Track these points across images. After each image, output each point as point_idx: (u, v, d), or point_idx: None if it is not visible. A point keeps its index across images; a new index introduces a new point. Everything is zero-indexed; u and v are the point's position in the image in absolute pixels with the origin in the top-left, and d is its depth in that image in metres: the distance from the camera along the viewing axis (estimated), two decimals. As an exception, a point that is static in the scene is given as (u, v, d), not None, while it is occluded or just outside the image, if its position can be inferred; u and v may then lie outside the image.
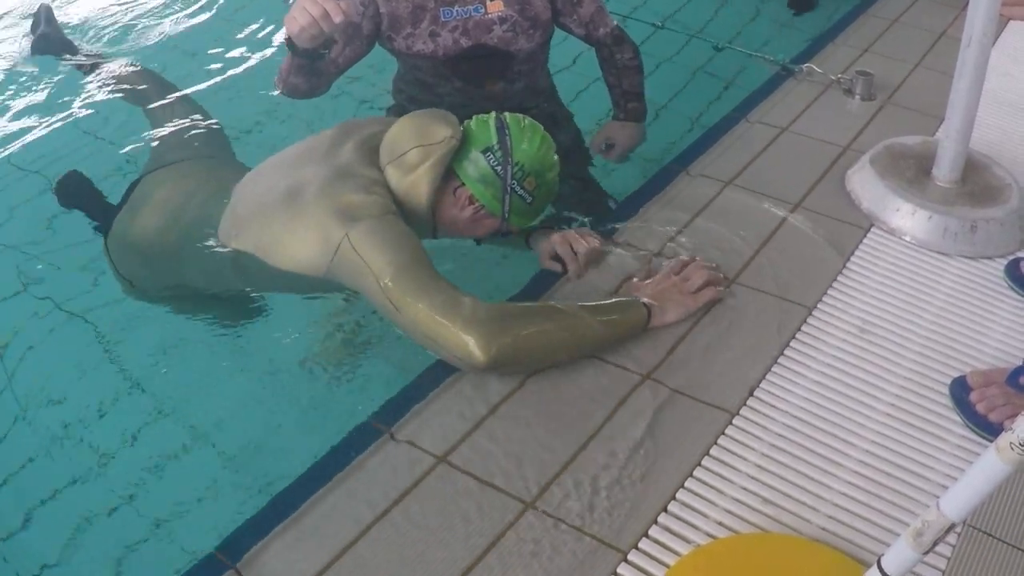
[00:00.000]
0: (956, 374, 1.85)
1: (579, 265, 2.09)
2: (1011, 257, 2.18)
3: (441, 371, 1.83)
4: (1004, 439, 1.03)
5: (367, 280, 1.79)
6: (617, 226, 2.25)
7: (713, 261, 2.09)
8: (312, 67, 2.36)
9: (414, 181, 1.93)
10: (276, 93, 2.46)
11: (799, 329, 1.95)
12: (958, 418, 1.77)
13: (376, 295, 1.79)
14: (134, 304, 2.38)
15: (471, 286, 1.82)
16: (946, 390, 1.82)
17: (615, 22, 2.69)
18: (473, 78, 2.58)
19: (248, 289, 2.21)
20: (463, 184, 1.99)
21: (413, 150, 1.93)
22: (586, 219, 2.43)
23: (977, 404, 1.76)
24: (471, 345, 1.71)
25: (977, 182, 2.32)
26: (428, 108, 2.09)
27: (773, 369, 1.86)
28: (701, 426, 1.73)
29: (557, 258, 2.12)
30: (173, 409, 2.24)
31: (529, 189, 2.00)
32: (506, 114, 2.02)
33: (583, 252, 2.10)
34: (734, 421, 1.75)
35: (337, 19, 2.07)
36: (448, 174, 1.97)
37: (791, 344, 1.92)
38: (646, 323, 1.91)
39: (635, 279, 2.04)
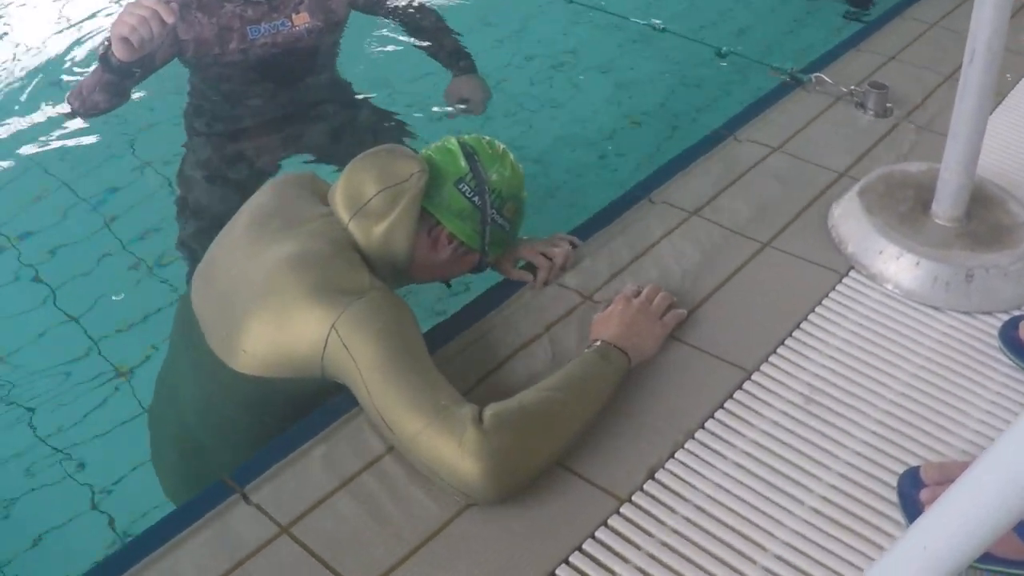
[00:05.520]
0: (917, 460, 1.54)
1: (554, 270, 1.94)
2: (1013, 315, 1.83)
3: (300, 433, 1.61)
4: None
5: (357, 388, 1.52)
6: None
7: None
8: (120, 85, 2.33)
9: (388, 230, 1.68)
10: (68, 110, 2.44)
11: (729, 397, 1.66)
12: (902, 519, 1.46)
13: (367, 406, 1.52)
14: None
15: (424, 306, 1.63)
16: (895, 481, 1.51)
17: None
18: (282, 78, 2.62)
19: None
20: (439, 223, 1.75)
21: (378, 195, 1.67)
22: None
23: (927, 505, 1.44)
24: (477, 479, 1.43)
25: (985, 220, 1.98)
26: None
27: (686, 446, 1.57)
28: (585, 514, 1.47)
29: (527, 266, 1.95)
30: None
31: (508, 216, 1.80)
32: (465, 137, 1.81)
33: (559, 256, 1.94)
34: (621, 509, 1.47)
35: (169, 19, 2.09)
36: (420, 214, 1.72)
37: (714, 416, 1.63)
38: (629, 365, 1.66)
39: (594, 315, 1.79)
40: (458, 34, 2.87)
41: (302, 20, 2.57)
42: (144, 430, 1.97)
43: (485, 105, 2.78)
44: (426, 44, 2.88)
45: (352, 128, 2.75)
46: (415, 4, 2.90)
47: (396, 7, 2.86)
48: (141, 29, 2.08)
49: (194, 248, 2.49)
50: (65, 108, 2.45)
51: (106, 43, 2.24)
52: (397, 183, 1.68)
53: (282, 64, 2.59)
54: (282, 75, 2.62)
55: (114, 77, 2.27)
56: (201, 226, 2.53)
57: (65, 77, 3.41)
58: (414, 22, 2.88)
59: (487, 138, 1.83)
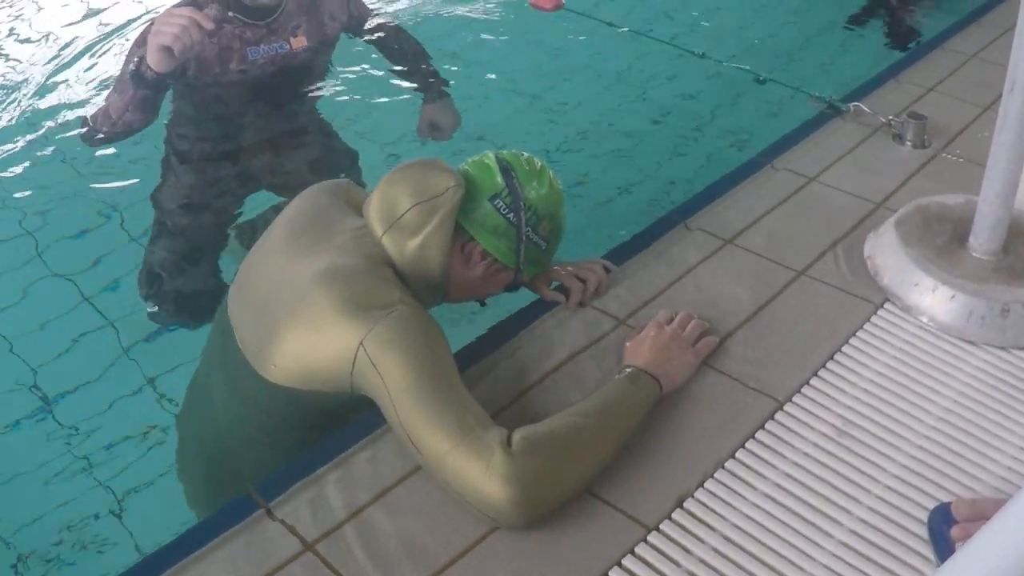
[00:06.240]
0: (949, 496, 1.53)
1: (588, 293, 1.93)
2: (1048, 350, 1.82)
3: (328, 448, 1.62)
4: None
5: (385, 407, 1.51)
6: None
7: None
8: (154, 100, 2.34)
9: (421, 245, 1.66)
10: (83, 131, 2.45)
11: (761, 427, 1.65)
12: (932, 556, 1.45)
13: (394, 425, 1.51)
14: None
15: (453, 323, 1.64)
16: (926, 516, 1.50)
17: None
18: (275, 98, 2.67)
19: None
20: (472, 239, 1.74)
21: (413, 209, 1.66)
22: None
23: (957, 542, 1.43)
24: (504, 503, 1.42)
25: (1022, 254, 1.96)
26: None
27: (716, 476, 1.57)
28: (612, 542, 1.46)
29: (560, 289, 1.96)
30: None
31: (543, 234, 1.77)
32: (503, 152, 1.79)
33: (593, 280, 1.95)
34: (649, 538, 1.47)
35: (209, 26, 2.17)
36: (454, 229, 1.71)
37: (745, 446, 1.62)
38: (660, 393, 1.66)
39: (626, 341, 1.79)
40: (434, 66, 2.93)
41: (300, 44, 2.61)
42: (170, 444, 1.97)
43: (453, 132, 2.82)
44: (403, 68, 2.95)
45: (329, 159, 2.76)
46: (397, 29, 2.99)
47: (379, 30, 2.92)
48: (183, 37, 2.14)
49: (157, 274, 2.45)
50: (82, 131, 2.45)
51: (136, 60, 2.26)
52: (432, 197, 1.67)
53: (278, 83, 2.62)
54: (276, 94, 2.66)
55: (149, 92, 2.30)
56: (174, 250, 2.49)
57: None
58: (395, 46, 2.94)
59: (525, 154, 1.80)
